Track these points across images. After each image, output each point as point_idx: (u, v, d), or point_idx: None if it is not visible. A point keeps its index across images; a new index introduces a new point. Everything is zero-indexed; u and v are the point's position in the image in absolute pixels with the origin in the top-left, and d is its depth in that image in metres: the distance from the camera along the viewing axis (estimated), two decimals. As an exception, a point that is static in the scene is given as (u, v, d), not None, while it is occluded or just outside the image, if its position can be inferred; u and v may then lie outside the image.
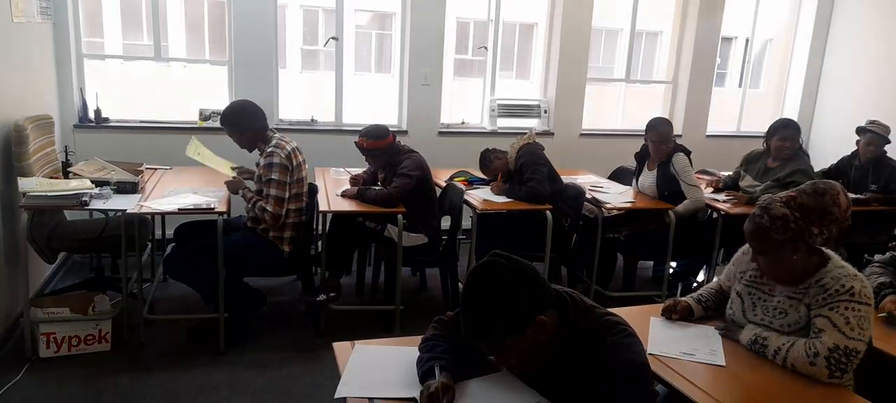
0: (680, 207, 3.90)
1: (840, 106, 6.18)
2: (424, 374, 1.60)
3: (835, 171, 4.54)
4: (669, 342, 1.98)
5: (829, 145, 5.94)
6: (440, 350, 1.65)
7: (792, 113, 6.55)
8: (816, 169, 4.93)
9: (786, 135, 4.00)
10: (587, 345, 1.47)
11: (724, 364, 1.87)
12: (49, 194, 3.11)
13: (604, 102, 8.03)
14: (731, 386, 1.79)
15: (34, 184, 3.18)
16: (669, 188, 3.95)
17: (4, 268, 3.29)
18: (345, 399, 1.60)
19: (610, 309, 1.60)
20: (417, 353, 1.71)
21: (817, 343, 1.76)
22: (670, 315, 2.14)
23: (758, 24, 6.33)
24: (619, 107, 6.59)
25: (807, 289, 1.86)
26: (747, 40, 6.49)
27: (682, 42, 6.02)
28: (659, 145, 3.97)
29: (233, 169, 3.67)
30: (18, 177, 3.21)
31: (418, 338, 1.79)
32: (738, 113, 6.50)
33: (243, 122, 3.37)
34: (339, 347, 1.85)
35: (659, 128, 3.98)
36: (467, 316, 1.47)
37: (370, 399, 1.58)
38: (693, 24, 5.86)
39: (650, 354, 1.88)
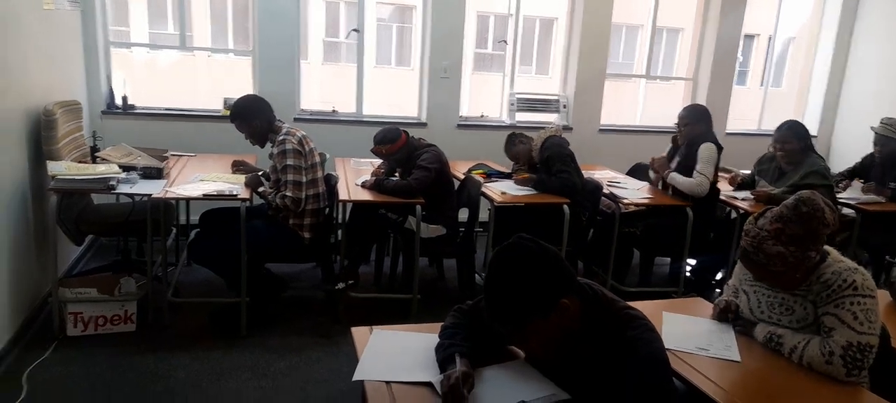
0: (679, 179, 3.92)
1: (863, 104, 6.11)
2: (444, 360, 1.63)
3: (859, 169, 4.50)
4: (684, 337, 1.99)
5: (853, 142, 5.89)
6: (460, 338, 1.68)
7: (814, 111, 6.50)
8: (841, 168, 4.89)
9: (778, 137, 3.88)
10: (608, 337, 1.47)
11: (739, 359, 1.89)
12: (77, 178, 3.20)
13: (624, 98, 8.01)
14: (747, 382, 1.81)
15: (63, 168, 3.26)
16: (689, 170, 3.94)
17: (34, 249, 3.39)
18: (362, 381, 1.64)
19: (629, 303, 1.62)
20: (435, 339, 1.75)
21: (831, 343, 1.77)
22: (726, 316, 2.09)
23: (781, 22, 6.27)
24: (639, 104, 6.57)
25: (809, 286, 1.87)
26: (770, 38, 6.43)
27: (703, 39, 5.99)
28: (680, 127, 4.00)
29: (235, 163, 3.82)
30: (48, 161, 3.30)
31: (435, 325, 1.83)
32: (759, 111, 6.45)
33: (251, 116, 3.43)
34: (358, 332, 1.89)
35: (681, 112, 4.05)
36: (490, 296, 1.48)
37: (387, 382, 1.62)
38: (715, 20, 5.82)
39: (666, 348, 1.91)
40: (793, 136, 3.84)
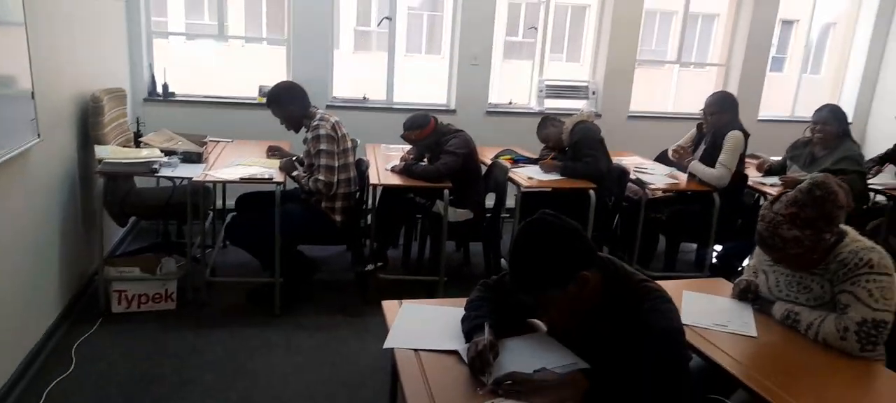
0: (701, 169, 3.92)
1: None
2: (471, 330, 1.71)
3: (891, 155, 4.44)
4: (703, 314, 2.04)
5: (890, 129, 5.78)
6: (485, 310, 1.77)
7: (849, 98, 6.38)
8: (874, 154, 4.82)
9: (817, 118, 3.88)
10: (626, 308, 1.53)
11: (755, 334, 1.94)
12: (123, 161, 3.36)
13: (656, 85, 7.95)
14: (763, 356, 1.85)
15: (109, 152, 3.43)
16: (714, 160, 3.94)
17: (82, 230, 3.57)
18: (393, 349, 1.73)
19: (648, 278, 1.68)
20: (461, 312, 1.83)
21: (846, 319, 1.81)
22: (746, 296, 2.14)
23: (818, 8, 6.17)
24: (672, 90, 6.53)
25: (827, 266, 1.90)
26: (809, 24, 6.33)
27: (736, 24, 5.93)
28: (707, 115, 3.99)
29: (270, 148, 3.97)
30: (95, 145, 3.47)
31: (461, 300, 1.91)
32: (793, 98, 6.36)
33: (287, 102, 3.54)
34: (388, 305, 1.99)
35: (707, 99, 4.02)
36: (515, 265, 1.55)
37: (416, 350, 1.71)
38: (749, 6, 5.75)
39: (685, 324, 1.96)
40: (833, 119, 3.84)
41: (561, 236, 1.51)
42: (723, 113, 3.96)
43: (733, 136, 3.87)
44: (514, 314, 1.82)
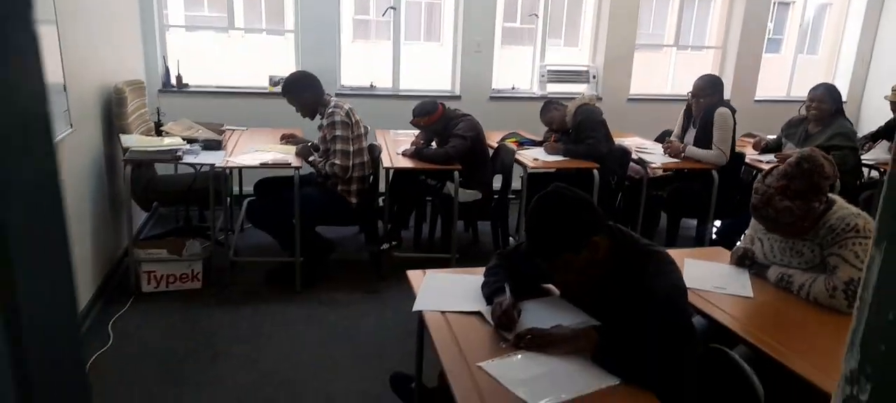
0: (699, 153, 4.07)
1: (894, 70, 6.14)
2: (493, 293, 1.89)
3: (882, 132, 4.61)
4: (703, 278, 2.22)
5: (884, 105, 5.93)
6: (503, 275, 1.94)
7: (844, 77, 6.53)
8: (868, 131, 4.99)
9: (813, 95, 4.02)
10: (633, 270, 1.70)
11: (752, 295, 2.12)
12: (149, 149, 3.52)
13: (655, 68, 8.09)
14: (758, 314, 2.04)
15: (135, 141, 3.59)
16: (708, 143, 4.09)
17: (109, 215, 3.74)
18: (421, 312, 1.91)
19: (653, 243, 1.85)
20: (481, 279, 2.01)
21: (835, 279, 1.98)
22: (744, 262, 2.30)
23: (813, -11, 6.31)
24: (670, 73, 6.68)
25: (817, 232, 2.08)
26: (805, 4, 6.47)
27: (732, 7, 6.07)
28: (697, 99, 4.13)
29: (285, 136, 4.12)
30: (120, 135, 3.63)
31: (480, 269, 2.09)
32: (788, 78, 6.52)
33: (303, 90, 3.70)
34: (413, 274, 2.16)
35: (696, 82, 4.16)
36: (531, 231, 1.73)
37: (442, 311, 1.89)
38: (745, -12, 5.90)
39: (687, 287, 2.14)
40: (828, 97, 3.98)
41: (573, 205, 1.68)
42: (712, 96, 4.11)
43: (722, 114, 4.02)
44: (528, 279, 2.00)
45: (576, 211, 1.68)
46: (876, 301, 0.71)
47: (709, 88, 4.13)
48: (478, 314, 1.88)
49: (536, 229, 1.72)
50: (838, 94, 4.05)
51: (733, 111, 4.09)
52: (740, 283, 2.19)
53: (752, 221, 2.40)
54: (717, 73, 6.17)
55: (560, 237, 1.67)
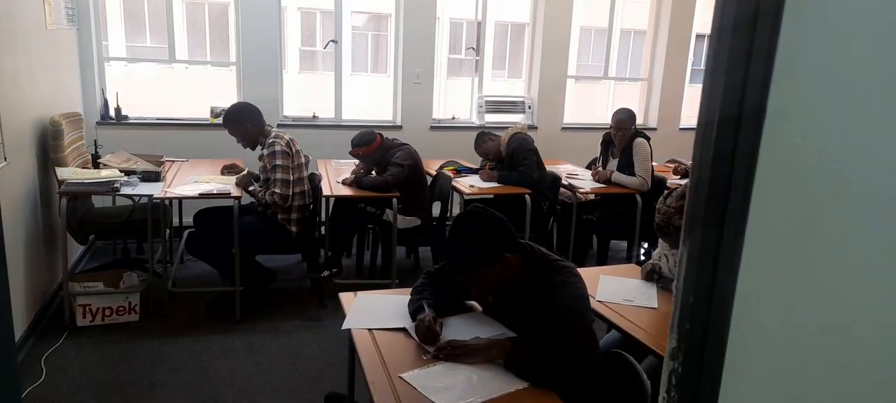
0: (625, 179, 4.35)
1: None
2: (416, 310, 2.02)
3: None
4: (614, 292, 2.42)
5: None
6: (428, 293, 2.08)
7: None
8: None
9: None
10: (541, 282, 1.87)
11: (657, 306, 2.31)
12: (85, 181, 3.53)
13: (596, 97, 8.46)
14: (663, 323, 2.22)
15: (71, 174, 3.59)
16: (631, 170, 4.37)
17: (43, 248, 3.70)
18: (350, 330, 2.02)
19: (563, 258, 2.02)
20: (407, 298, 2.14)
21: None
22: (652, 277, 2.51)
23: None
24: (608, 103, 7.01)
25: None
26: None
27: (656, 40, 6.46)
28: (616, 131, 4.41)
29: (225, 166, 4.19)
30: (56, 167, 3.63)
31: (408, 290, 2.22)
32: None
33: (244, 121, 3.78)
34: (344, 296, 2.28)
35: (616, 116, 4.45)
36: (450, 249, 1.89)
37: (370, 329, 2.01)
38: (666, 23, 6.29)
39: (599, 301, 2.32)
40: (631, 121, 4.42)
41: (488, 224, 1.85)
42: (629, 129, 4.40)
43: (641, 144, 4.34)
44: (453, 297, 2.14)
45: (490, 230, 1.84)
46: (682, 288, 0.89)
47: (628, 121, 4.41)
48: (403, 330, 2.00)
49: (454, 245, 1.88)
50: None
51: (648, 139, 4.39)
52: (647, 296, 2.38)
53: (660, 239, 2.61)
54: (643, 103, 6.57)
55: (475, 252, 1.83)
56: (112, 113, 4.96)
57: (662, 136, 4.58)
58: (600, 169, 4.58)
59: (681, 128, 6.50)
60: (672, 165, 5.00)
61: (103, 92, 4.96)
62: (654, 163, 4.48)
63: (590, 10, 5.90)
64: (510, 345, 1.82)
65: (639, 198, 4.31)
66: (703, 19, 6.37)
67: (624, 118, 4.40)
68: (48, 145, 3.70)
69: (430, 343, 1.88)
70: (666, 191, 2.37)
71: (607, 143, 4.62)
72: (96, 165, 3.97)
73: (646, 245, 4.73)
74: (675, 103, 6.47)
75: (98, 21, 4.88)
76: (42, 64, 3.80)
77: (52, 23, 3.99)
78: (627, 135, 4.38)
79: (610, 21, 6.30)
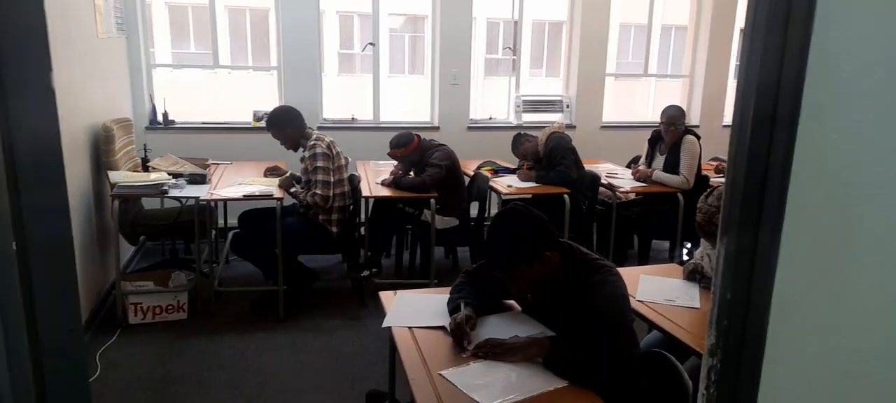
0: (666, 178, 4.29)
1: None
2: (453, 310, 2.05)
3: None
4: (656, 292, 2.39)
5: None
6: (466, 292, 2.10)
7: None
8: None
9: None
10: (580, 280, 1.87)
11: (699, 306, 2.28)
12: (135, 185, 3.67)
13: (639, 95, 8.36)
14: (706, 324, 2.19)
15: (122, 177, 3.73)
16: (678, 168, 4.30)
17: (97, 249, 3.86)
18: (390, 328, 2.06)
19: (602, 257, 2.02)
20: (447, 296, 2.17)
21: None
22: (694, 276, 2.47)
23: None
24: (648, 100, 6.92)
25: None
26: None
27: (697, 36, 6.35)
28: (668, 127, 4.35)
29: (268, 169, 4.27)
30: (108, 171, 3.77)
31: (448, 289, 2.24)
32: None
33: (286, 124, 3.87)
34: (385, 295, 2.31)
35: (668, 112, 4.38)
36: (490, 246, 1.91)
37: (410, 327, 2.04)
38: (708, 17, 6.18)
39: (639, 301, 2.31)
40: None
41: (527, 222, 1.86)
42: (681, 125, 4.34)
43: (690, 141, 4.26)
44: (492, 296, 2.16)
45: (529, 227, 1.85)
46: (720, 285, 0.89)
47: (680, 117, 4.36)
48: (443, 328, 2.03)
49: (494, 243, 1.90)
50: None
51: (698, 138, 4.31)
52: (689, 295, 2.36)
53: (702, 239, 2.57)
54: (686, 100, 6.46)
55: (514, 250, 1.84)
56: (159, 118, 5.13)
57: (705, 134, 4.50)
58: (643, 166, 4.53)
59: (724, 126, 6.37)
60: (715, 163, 4.90)
61: (151, 97, 5.13)
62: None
63: (629, 6, 5.82)
64: (549, 344, 1.82)
65: (680, 196, 4.24)
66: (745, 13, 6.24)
67: (676, 114, 4.35)
68: (101, 150, 3.85)
69: (461, 342, 1.90)
70: (708, 190, 2.34)
71: (655, 140, 4.57)
72: (146, 169, 4.12)
73: (688, 245, 4.65)
74: (717, 100, 6.35)
75: (145, 29, 5.05)
76: (94, 71, 3.96)
77: (103, 32, 4.15)
78: (679, 131, 4.32)
79: (649, 17, 6.21)
